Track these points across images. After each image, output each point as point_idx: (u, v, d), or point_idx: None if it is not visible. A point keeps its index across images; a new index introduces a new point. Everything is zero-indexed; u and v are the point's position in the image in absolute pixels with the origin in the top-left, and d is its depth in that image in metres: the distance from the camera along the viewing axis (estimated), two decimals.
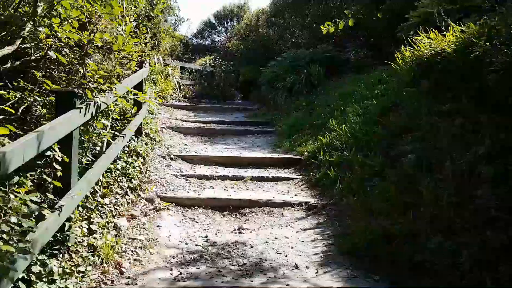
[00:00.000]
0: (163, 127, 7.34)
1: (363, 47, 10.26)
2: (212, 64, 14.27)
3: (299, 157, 5.88)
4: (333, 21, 4.80)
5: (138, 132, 5.49)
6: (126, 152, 4.73)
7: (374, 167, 4.44)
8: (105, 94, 3.47)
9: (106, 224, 3.32)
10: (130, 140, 4.93)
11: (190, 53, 26.70)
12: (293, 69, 9.99)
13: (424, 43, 4.94)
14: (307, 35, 14.42)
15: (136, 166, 4.61)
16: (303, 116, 7.90)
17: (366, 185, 4.26)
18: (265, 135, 7.81)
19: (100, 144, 3.83)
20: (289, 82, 9.57)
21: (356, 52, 10.01)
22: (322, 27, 4.85)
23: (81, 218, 3.10)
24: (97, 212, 3.35)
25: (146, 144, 5.47)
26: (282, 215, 4.22)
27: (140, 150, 4.96)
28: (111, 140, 4.00)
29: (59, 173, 2.61)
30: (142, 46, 6.51)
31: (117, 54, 3.96)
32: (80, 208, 3.18)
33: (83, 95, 3.13)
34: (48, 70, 3.58)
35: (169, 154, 5.58)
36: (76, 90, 3.02)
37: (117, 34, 4.11)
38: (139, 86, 5.76)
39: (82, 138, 3.53)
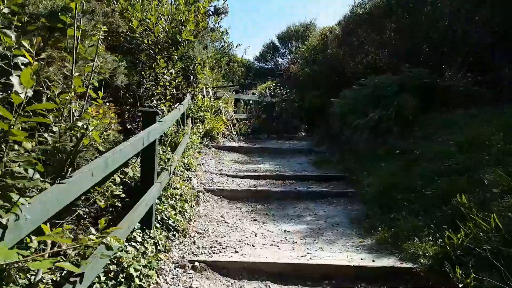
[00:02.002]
0: (201, 191, 5.26)
1: (461, 70, 7.48)
2: (272, 92, 12.16)
3: (410, 266, 3.37)
4: None
5: (147, 221, 3.43)
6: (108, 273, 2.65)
7: None
8: None
9: None
10: (121, 250, 2.86)
11: (252, 77, 25.24)
12: (377, 101, 7.47)
13: None
14: (387, 54, 11.84)
15: None
16: (398, 173, 5.35)
17: None
18: (342, 202, 5.37)
19: None
20: (372, 118, 7.06)
21: (464, 78, 7.28)
22: None
23: None
24: None
25: (156, 252, 3.34)
26: None
27: (138, 270, 2.83)
28: None
29: None
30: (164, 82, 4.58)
31: None
32: None
33: None
34: None
35: (193, 259, 3.39)
36: None
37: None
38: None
39: None
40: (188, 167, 5.84)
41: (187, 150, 6.51)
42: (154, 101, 4.33)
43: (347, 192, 5.57)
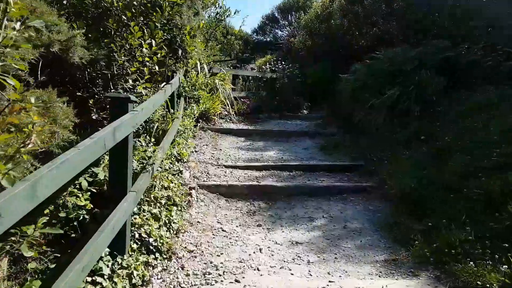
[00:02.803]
0: (194, 187, 4.38)
1: (478, 42, 6.47)
2: (273, 68, 11.10)
3: None
4: None
5: (119, 244, 2.56)
6: None
7: None
8: None
9: None
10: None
11: (250, 51, 23.90)
12: (393, 77, 6.51)
13: None
14: (396, 26, 10.72)
15: None
16: (426, 164, 4.47)
17: None
18: (361, 199, 4.50)
19: None
20: (391, 97, 6.11)
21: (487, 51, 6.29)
22: None
23: None
24: None
25: None
26: None
27: None
28: None
29: None
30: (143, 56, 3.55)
31: None
32: None
33: None
34: None
35: None
36: None
37: None
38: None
39: None
40: (179, 158, 4.93)
41: (179, 137, 5.58)
42: (130, 82, 3.35)
43: (366, 186, 4.70)
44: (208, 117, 8.02)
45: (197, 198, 4.27)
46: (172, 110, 5.12)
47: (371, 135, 6.17)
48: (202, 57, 7.67)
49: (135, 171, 3.16)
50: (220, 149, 6.38)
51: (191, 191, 4.34)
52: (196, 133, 7.14)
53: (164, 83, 4.44)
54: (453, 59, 6.34)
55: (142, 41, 3.25)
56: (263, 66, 11.36)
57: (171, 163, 4.55)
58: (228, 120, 8.73)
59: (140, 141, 3.79)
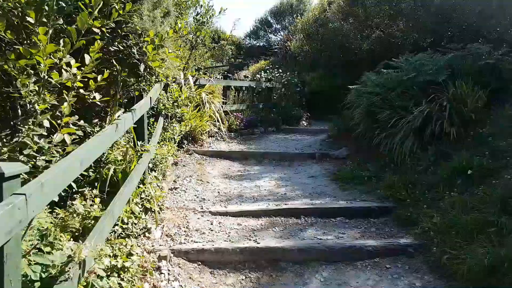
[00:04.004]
0: (165, 257, 3.02)
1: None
2: (268, 76, 9.77)
3: None
4: None
5: None
6: None
7: None
8: None
9: None
10: None
11: (243, 57, 22.55)
12: (421, 90, 5.22)
13: None
14: (404, 26, 9.48)
15: None
16: (487, 212, 3.16)
17: None
18: (402, 269, 3.14)
19: None
20: (417, 117, 4.79)
21: None
22: None
23: None
24: None
25: None
26: None
27: None
28: None
29: None
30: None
31: None
32: None
33: None
34: None
35: None
36: None
37: None
38: None
39: None
40: (148, 205, 3.56)
41: (152, 172, 4.22)
42: (46, 123, 1.94)
43: (405, 246, 3.35)
44: (195, 137, 6.68)
45: (168, 275, 2.90)
46: (140, 141, 3.75)
47: (397, 163, 4.86)
48: (186, 67, 6.32)
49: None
50: (208, 182, 5.02)
51: (160, 262, 2.98)
52: (179, 158, 5.79)
53: (121, 111, 3.08)
54: (494, 67, 5.06)
55: (61, 56, 1.90)
56: (257, 75, 10.01)
57: (136, 217, 3.18)
58: (218, 138, 7.38)
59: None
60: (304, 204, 4.18)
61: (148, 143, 4.08)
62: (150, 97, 4.07)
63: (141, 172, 3.55)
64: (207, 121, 6.88)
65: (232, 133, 7.84)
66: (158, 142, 5.19)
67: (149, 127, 4.89)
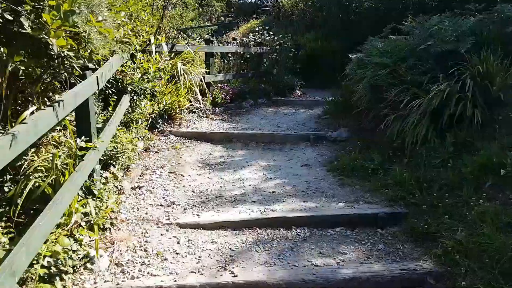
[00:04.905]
0: None
1: None
2: (258, 40, 8.66)
3: None
4: None
5: None
6: None
7: None
8: None
9: None
10: None
11: (234, 15, 20.91)
12: (437, 63, 4.29)
13: None
14: None
15: None
16: None
17: None
18: None
19: None
20: (435, 98, 3.90)
21: None
22: None
23: None
24: None
25: None
26: None
27: None
28: None
29: None
30: None
31: None
32: None
33: None
34: None
35: None
36: None
37: None
38: None
39: None
40: (92, 225, 2.73)
41: (102, 173, 3.36)
42: None
43: (423, 275, 2.58)
44: (172, 115, 5.75)
45: None
46: (84, 137, 2.85)
47: (410, 156, 4.03)
48: (158, 31, 5.27)
49: None
50: (182, 175, 4.18)
51: None
52: (151, 142, 4.91)
53: (33, 108, 2.15)
54: None
55: None
56: (246, 38, 8.88)
57: (69, 253, 2.37)
58: (200, 114, 6.46)
59: None
60: (296, 211, 3.37)
61: (101, 134, 3.19)
62: (97, 77, 3.12)
63: (83, 180, 2.69)
64: (185, 96, 5.93)
65: (217, 108, 6.90)
66: (122, 127, 4.29)
67: (107, 111, 3.96)
